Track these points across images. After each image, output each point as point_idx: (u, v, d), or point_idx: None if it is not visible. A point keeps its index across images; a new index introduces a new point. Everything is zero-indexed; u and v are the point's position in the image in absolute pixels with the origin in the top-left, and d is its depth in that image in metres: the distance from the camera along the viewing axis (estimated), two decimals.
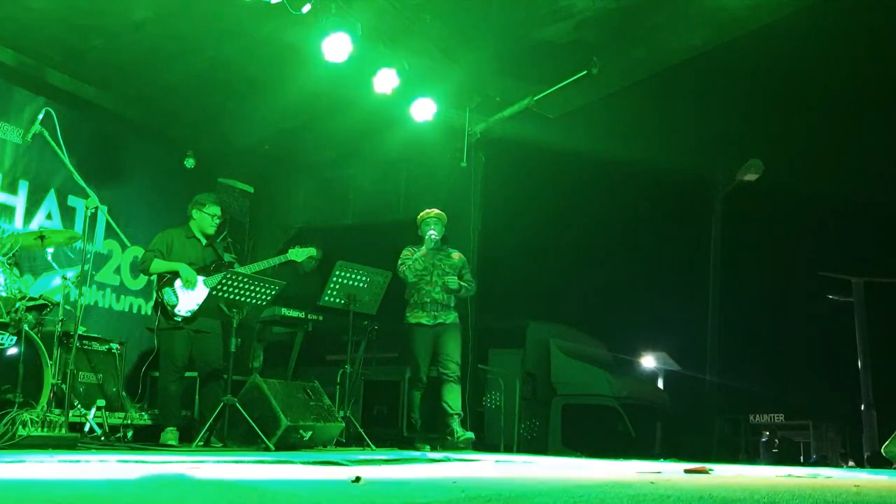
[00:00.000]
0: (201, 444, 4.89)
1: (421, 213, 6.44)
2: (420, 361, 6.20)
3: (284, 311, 6.34)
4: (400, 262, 6.29)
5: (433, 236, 6.26)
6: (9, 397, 4.05)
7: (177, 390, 5.45)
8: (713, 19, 5.99)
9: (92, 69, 6.42)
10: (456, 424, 6.01)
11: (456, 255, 6.46)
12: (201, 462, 2.72)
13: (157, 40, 5.90)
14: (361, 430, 5.68)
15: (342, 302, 5.71)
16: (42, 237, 4.75)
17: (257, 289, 5.11)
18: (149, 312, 6.67)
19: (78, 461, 2.59)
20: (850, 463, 6.77)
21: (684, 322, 9.42)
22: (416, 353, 6.22)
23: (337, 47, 5.59)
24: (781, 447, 7.77)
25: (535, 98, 6.81)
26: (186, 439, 5.38)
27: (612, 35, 6.11)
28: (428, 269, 6.28)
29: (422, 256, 6.26)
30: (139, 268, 5.96)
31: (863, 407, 8.13)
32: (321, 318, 6.48)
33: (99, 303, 6.76)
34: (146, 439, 5.42)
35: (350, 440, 5.75)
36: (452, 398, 6.07)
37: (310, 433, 5.02)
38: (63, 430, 4.00)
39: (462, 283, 6.36)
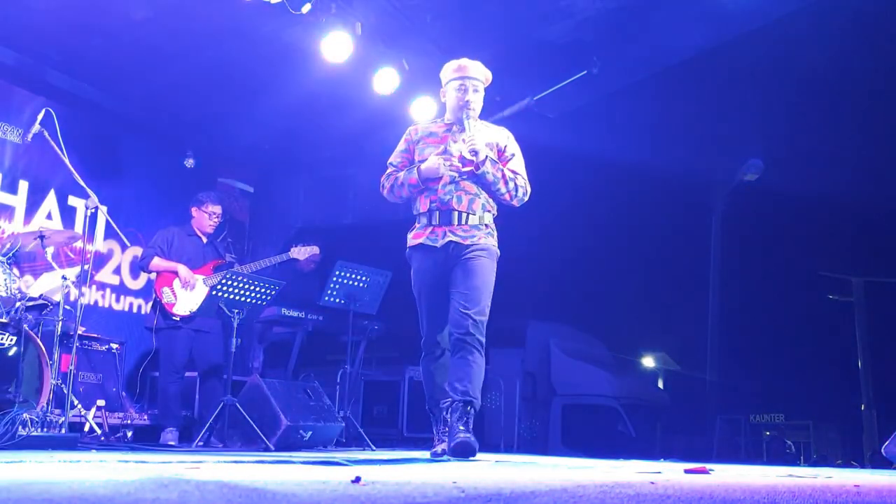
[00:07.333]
0: (201, 444, 4.89)
1: (448, 65, 4.00)
2: (427, 309, 3.88)
3: (284, 311, 6.34)
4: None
5: (469, 109, 3.86)
6: (9, 397, 4.05)
7: (176, 390, 5.46)
8: (713, 19, 6.00)
9: (92, 69, 6.43)
10: (459, 419, 3.56)
11: (493, 129, 4.02)
12: (201, 462, 2.72)
13: (157, 40, 5.91)
14: (361, 430, 5.68)
15: (342, 302, 5.72)
16: (42, 237, 4.75)
17: (257, 289, 5.11)
18: (149, 312, 6.70)
19: (78, 461, 2.59)
20: (853, 463, 6.77)
21: (684, 322, 9.42)
22: (419, 297, 3.92)
23: (337, 47, 5.60)
24: (777, 447, 7.79)
25: (535, 98, 6.81)
26: (186, 439, 5.38)
27: (612, 35, 6.11)
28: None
29: (443, 130, 3.94)
30: (139, 265, 5.99)
31: (863, 407, 8.14)
32: (321, 318, 6.49)
33: (99, 303, 6.77)
34: (146, 439, 5.43)
35: (350, 440, 5.75)
36: (462, 374, 3.62)
37: (310, 433, 5.03)
38: (63, 430, 4.01)
39: (502, 170, 3.83)
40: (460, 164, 3.78)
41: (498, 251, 3.91)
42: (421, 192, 3.89)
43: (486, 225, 3.86)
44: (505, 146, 3.96)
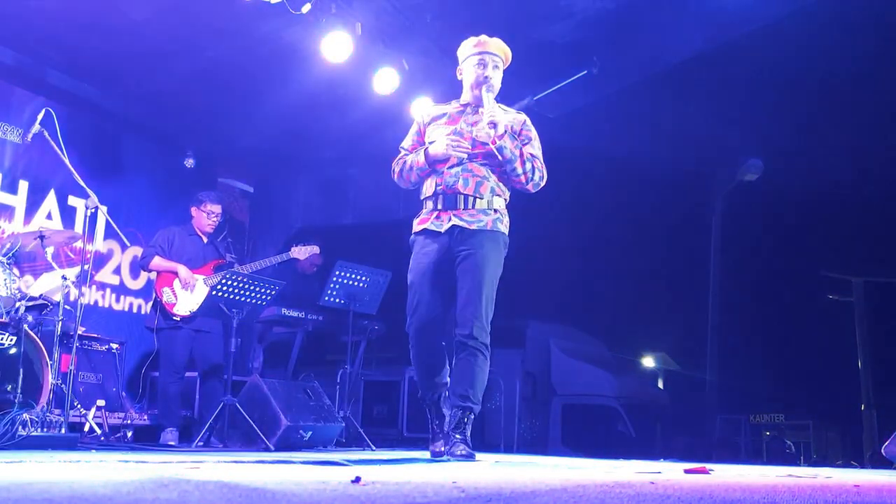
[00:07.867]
0: (201, 444, 4.90)
1: (467, 41, 3.83)
2: (420, 291, 3.64)
3: (284, 311, 6.35)
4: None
5: (489, 86, 3.69)
6: (9, 397, 4.05)
7: (176, 390, 5.46)
8: (713, 19, 6.00)
9: (92, 69, 6.43)
10: (457, 428, 3.52)
11: (511, 113, 3.84)
12: (201, 462, 2.72)
13: (157, 40, 5.91)
14: (361, 430, 5.68)
15: (342, 302, 5.72)
16: (42, 237, 4.75)
17: (257, 289, 5.11)
18: (149, 312, 6.71)
19: (78, 461, 2.59)
20: (853, 463, 6.77)
21: (684, 322, 9.41)
22: (413, 281, 3.68)
23: (337, 47, 5.60)
24: (777, 447, 7.79)
25: (535, 98, 6.81)
26: (186, 439, 5.39)
27: (612, 35, 6.11)
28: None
29: (456, 111, 3.79)
30: (139, 264, 6.01)
31: (863, 407, 8.14)
32: (321, 318, 6.49)
33: (99, 303, 6.77)
34: (146, 439, 5.43)
35: (350, 440, 5.75)
36: (463, 378, 3.53)
37: (310, 433, 5.03)
38: (63, 430, 4.01)
39: (521, 149, 3.64)
40: (469, 145, 3.61)
41: (507, 238, 3.70)
42: (429, 176, 3.70)
43: (494, 210, 3.63)
44: (521, 130, 3.76)
